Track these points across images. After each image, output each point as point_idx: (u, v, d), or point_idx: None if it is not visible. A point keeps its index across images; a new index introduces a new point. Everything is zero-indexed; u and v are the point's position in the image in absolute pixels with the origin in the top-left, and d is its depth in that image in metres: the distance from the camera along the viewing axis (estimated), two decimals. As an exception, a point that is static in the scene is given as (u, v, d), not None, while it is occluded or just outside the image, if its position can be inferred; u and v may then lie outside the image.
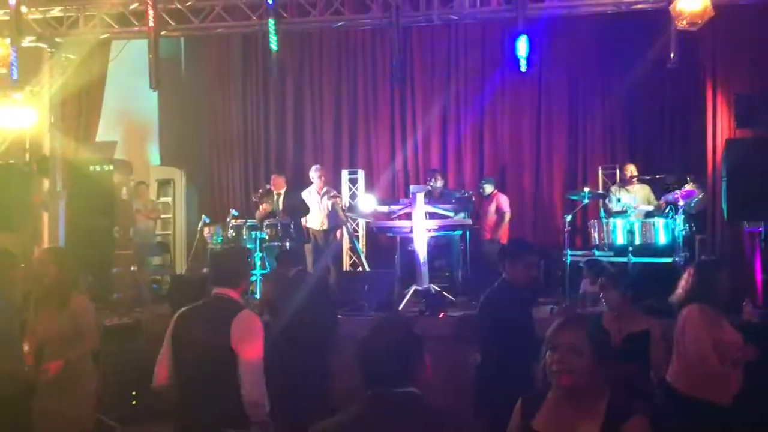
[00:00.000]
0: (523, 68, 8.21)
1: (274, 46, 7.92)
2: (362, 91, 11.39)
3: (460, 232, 9.45)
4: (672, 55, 7.90)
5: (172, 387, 3.65)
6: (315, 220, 9.77)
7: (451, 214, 9.09)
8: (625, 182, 9.29)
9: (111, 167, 9.16)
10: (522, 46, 8.10)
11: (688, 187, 8.74)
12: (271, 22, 7.85)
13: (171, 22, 8.85)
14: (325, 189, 9.78)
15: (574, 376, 2.46)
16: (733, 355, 3.98)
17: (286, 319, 5.59)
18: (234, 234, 9.76)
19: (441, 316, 7.71)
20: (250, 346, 3.52)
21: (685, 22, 6.51)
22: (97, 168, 9.06)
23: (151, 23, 8.23)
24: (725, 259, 7.71)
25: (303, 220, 9.81)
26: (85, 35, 8.98)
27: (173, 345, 3.65)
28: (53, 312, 4.75)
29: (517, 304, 4.52)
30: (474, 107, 10.85)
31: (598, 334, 2.64)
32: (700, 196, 8.81)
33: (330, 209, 9.71)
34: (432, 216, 8.77)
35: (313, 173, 9.84)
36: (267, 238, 9.72)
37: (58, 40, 9.06)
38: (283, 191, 9.97)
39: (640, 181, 9.31)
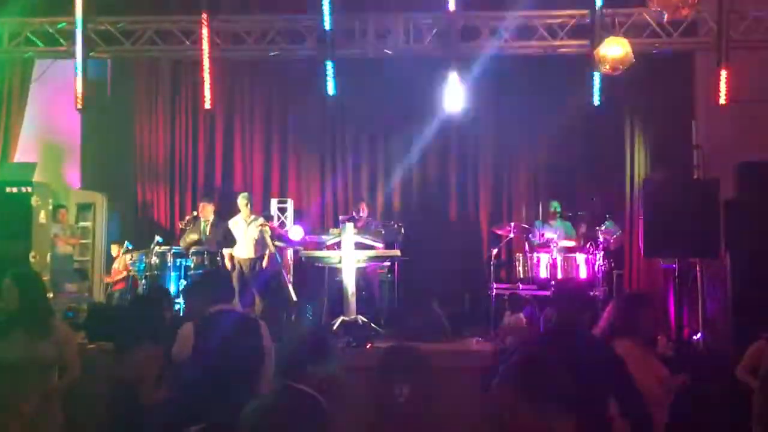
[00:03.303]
0: (453, 105, 8.44)
1: (331, 89, 7.93)
2: (293, 119, 11.38)
3: (389, 263, 9.50)
4: (594, 96, 8.27)
5: None
6: (242, 249, 9.62)
7: (380, 245, 9.15)
8: (548, 218, 9.58)
9: (29, 189, 8.82)
10: (450, 82, 8.36)
11: (607, 224, 9.08)
12: (328, 64, 7.77)
13: (100, 42, 8.69)
14: (252, 217, 9.67)
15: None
16: (668, 386, 4.11)
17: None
18: (158, 261, 9.53)
19: (368, 347, 7.70)
20: None
21: (607, 67, 6.83)
22: (15, 190, 8.73)
23: (79, 43, 8.07)
24: (647, 293, 8.03)
25: (229, 249, 9.66)
26: (8, 53, 8.71)
27: None
28: (31, 339, 4.42)
29: None
30: (404, 140, 10.98)
31: None
32: (617, 234, 9.16)
33: (258, 237, 9.60)
34: (360, 247, 8.79)
35: (241, 201, 9.73)
36: (192, 266, 9.53)
37: (-22, 56, 8.76)
38: (210, 219, 9.82)
39: (563, 217, 9.63)
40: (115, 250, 10.30)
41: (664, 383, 4.10)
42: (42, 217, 9.05)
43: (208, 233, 9.77)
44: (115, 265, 10.19)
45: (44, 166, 10.30)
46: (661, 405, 4.08)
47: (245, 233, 9.59)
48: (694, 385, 4.60)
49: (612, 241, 9.22)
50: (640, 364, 4.04)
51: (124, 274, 10.11)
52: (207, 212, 9.87)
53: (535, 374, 2.28)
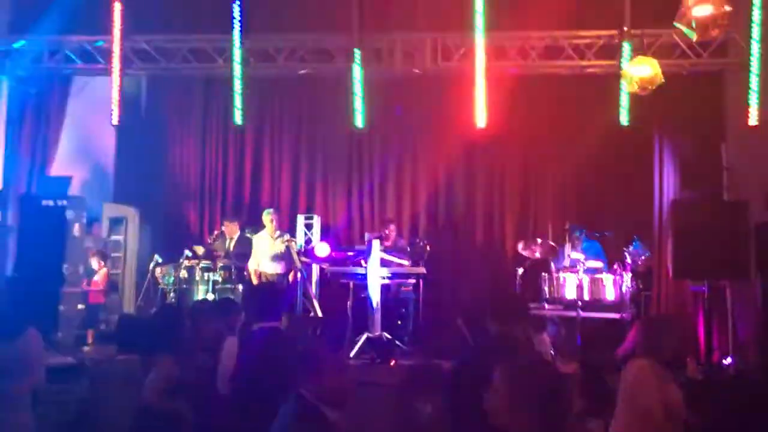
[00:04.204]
0: (481, 124, 8.44)
1: (359, 121, 8.35)
2: (321, 136, 11.43)
3: (414, 280, 9.47)
4: (622, 116, 8.21)
5: None
6: (268, 265, 9.69)
7: (405, 262, 9.14)
8: (573, 242, 9.47)
9: (65, 203, 8.98)
10: (478, 101, 8.38)
11: (635, 246, 8.94)
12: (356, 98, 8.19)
13: (136, 60, 8.86)
14: (278, 233, 9.74)
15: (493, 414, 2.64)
16: (678, 414, 4.01)
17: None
18: (186, 275, 9.62)
19: (392, 364, 7.68)
20: None
21: (636, 87, 6.77)
22: (51, 203, 8.89)
23: (116, 61, 8.23)
24: (672, 317, 7.89)
25: (255, 264, 9.76)
26: (48, 69, 8.92)
27: None
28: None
29: None
30: (431, 159, 10.99)
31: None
32: (646, 255, 9.02)
33: (284, 253, 9.64)
34: (385, 264, 8.79)
35: (266, 217, 9.82)
36: (220, 280, 9.61)
37: (20, 72, 8.98)
38: (236, 236, 9.94)
39: (590, 237, 9.51)
40: (95, 263, 10.19)
41: (673, 411, 3.99)
42: (76, 230, 9.21)
43: (232, 249, 9.89)
44: (96, 278, 10.19)
45: (79, 179, 10.51)
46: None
47: (271, 249, 9.65)
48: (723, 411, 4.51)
49: (640, 262, 9.08)
50: (650, 385, 3.97)
51: (101, 287, 10.13)
52: (231, 230, 10.01)
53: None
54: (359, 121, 8.55)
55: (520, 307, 4.20)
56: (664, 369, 4.11)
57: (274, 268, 9.66)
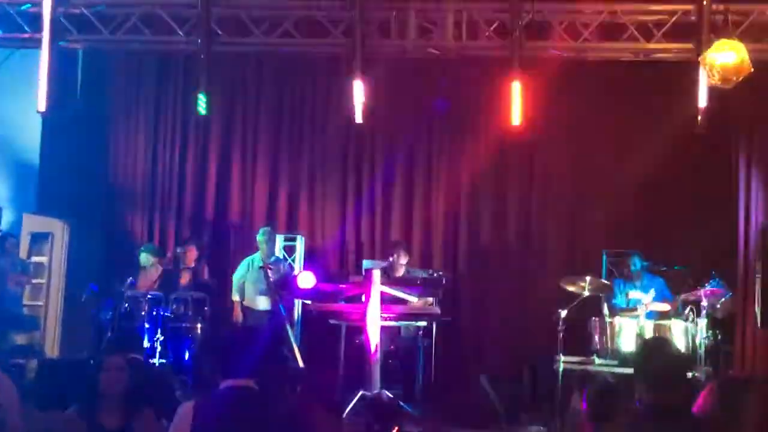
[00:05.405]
0: (516, 121, 8.50)
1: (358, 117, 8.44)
2: (308, 133, 11.50)
3: (425, 323, 9.49)
4: (699, 118, 8.24)
5: None
6: (256, 299, 9.83)
7: (414, 299, 9.15)
8: (631, 276, 9.49)
9: (-28, 213, 9.04)
10: (514, 92, 8.43)
11: (713, 284, 8.96)
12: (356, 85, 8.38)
13: (72, 29, 8.91)
14: (273, 258, 9.91)
15: None
16: None
17: None
18: (129, 308, 9.66)
19: None
20: None
21: (717, 78, 6.83)
22: (-47, 212, 8.94)
23: (46, 30, 8.27)
24: (758, 378, 7.87)
25: (237, 296, 10.02)
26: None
27: None
28: None
29: None
30: (451, 166, 11.05)
31: None
32: (727, 297, 9.03)
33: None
34: (389, 301, 8.81)
35: (260, 237, 9.95)
36: (172, 316, 9.63)
37: None
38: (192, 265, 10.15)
39: (653, 272, 9.54)
40: None
41: None
42: (-15, 247, 9.25)
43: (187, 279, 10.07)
44: None
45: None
46: None
47: (261, 279, 9.77)
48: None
49: (719, 306, 9.09)
50: None
51: None
52: (190, 257, 10.28)
53: None
54: (358, 114, 8.61)
55: (680, 367, 4.14)
56: None
57: (264, 303, 9.79)
